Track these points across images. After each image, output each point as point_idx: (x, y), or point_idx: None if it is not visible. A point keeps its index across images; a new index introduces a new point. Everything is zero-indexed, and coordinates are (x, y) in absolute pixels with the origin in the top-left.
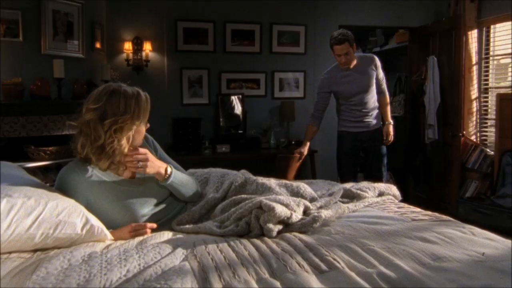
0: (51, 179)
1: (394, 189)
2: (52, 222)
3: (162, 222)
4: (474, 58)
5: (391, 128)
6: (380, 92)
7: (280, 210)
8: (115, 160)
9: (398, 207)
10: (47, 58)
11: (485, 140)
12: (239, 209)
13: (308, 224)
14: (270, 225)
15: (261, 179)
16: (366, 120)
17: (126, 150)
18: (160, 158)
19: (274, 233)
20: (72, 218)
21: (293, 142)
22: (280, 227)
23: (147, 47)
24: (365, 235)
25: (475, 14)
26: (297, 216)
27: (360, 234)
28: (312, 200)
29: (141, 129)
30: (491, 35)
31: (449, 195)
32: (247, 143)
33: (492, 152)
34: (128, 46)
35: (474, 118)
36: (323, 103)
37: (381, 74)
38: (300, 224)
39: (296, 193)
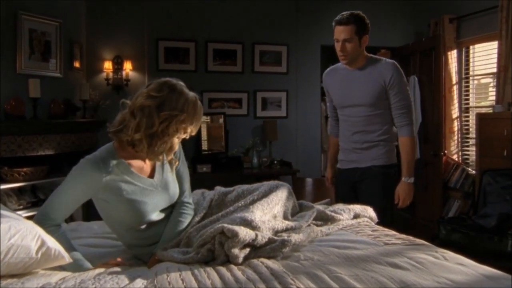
0: (25, 201)
1: (370, 211)
2: (3, 246)
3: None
4: (454, 78)
5: (405, 189)
6: (400, 126)
7: (244, 234)
8: (159, 151)
9: (372, 230)
10: (22, 78)
11: (467, 159)
12: (203, 235)
13: (277, 249)
14: (235, 251)
15: (240, 186)
16: (359, 149)
17: (176, 146)
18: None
19: (240, 260)
20: (26, 241)
21: (275, 162)
22: (246, 251)
23: (128, 66)
24: (335, 261)
25: (454, 35)
26: (263, 236)
27: (329, 260)
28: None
29: (191, 131)
30: (471, 55)
31: (432, 215)
32: (229, 163)
33: (474, 171)
34: (108, 65)
35: (455, 137)
36: (331, 105)
37: (401, 95)
38: (269, 248)
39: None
